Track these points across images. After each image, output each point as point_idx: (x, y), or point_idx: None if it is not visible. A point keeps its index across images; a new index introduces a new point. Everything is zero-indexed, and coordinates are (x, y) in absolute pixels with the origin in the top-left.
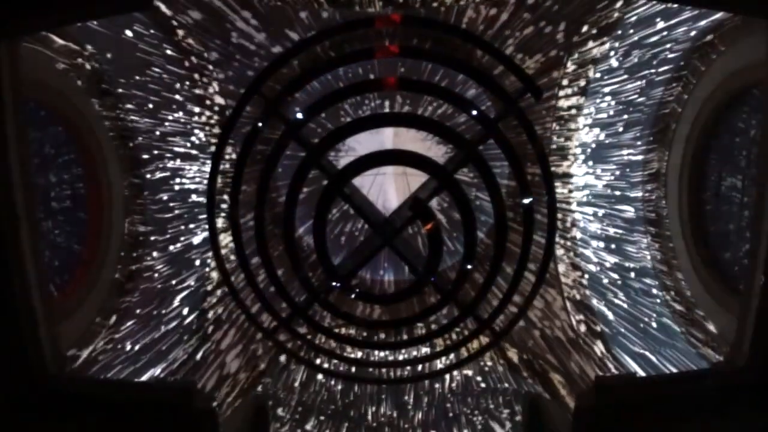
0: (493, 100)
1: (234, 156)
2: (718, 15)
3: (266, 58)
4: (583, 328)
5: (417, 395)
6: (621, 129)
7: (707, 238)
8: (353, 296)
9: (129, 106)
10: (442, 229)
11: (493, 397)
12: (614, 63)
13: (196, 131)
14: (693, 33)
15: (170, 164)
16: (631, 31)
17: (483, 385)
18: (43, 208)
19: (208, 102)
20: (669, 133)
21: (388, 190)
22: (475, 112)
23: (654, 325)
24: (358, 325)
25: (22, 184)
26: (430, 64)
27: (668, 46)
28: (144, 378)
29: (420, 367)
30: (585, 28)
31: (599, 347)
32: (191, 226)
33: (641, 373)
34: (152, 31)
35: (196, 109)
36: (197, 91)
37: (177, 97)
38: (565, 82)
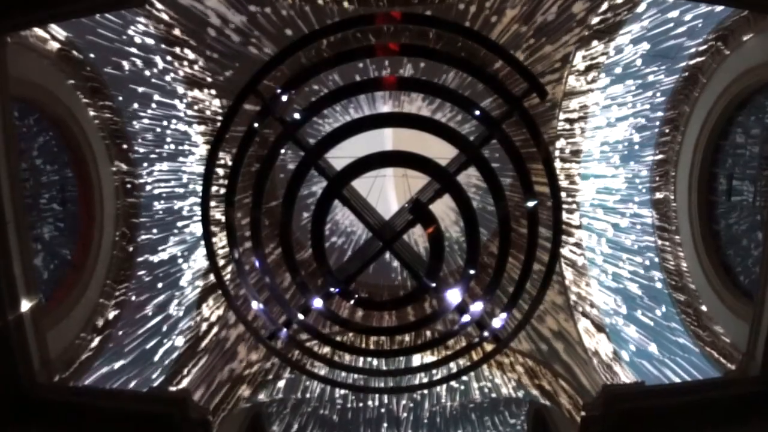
0: (497, 100)
1: (229, 158)
2: (731, 11)
3: (263, 56)
4: (590, 335)
5: (417, 405)
6: (629, 130)
7: (718, 242)
8: (352, 302)
9: (119, 105)
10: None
11: (496, 407)
12: (622, 62)
13: (190, 132)
14: (704, 30)
15: (162, 165)
16: (640, 29)
17: (486, 394)
18: (32, 212)
19: (202, 102)
20: (678, 134)
21: (388, 192)
22: (478, 113)
23: (664, 332)
24: (356, 332)
25: (11, 187)
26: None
27: (678, 43)
28: (137, 387)
29: (420, 377)
30: (593, 26)
31: (607, 355)
32: (185, 229)
33: (650, 382)
34: (144, 30)
35: (190, 110)
36: (190, 91)
37: (169, 96)
38: (571, 81)
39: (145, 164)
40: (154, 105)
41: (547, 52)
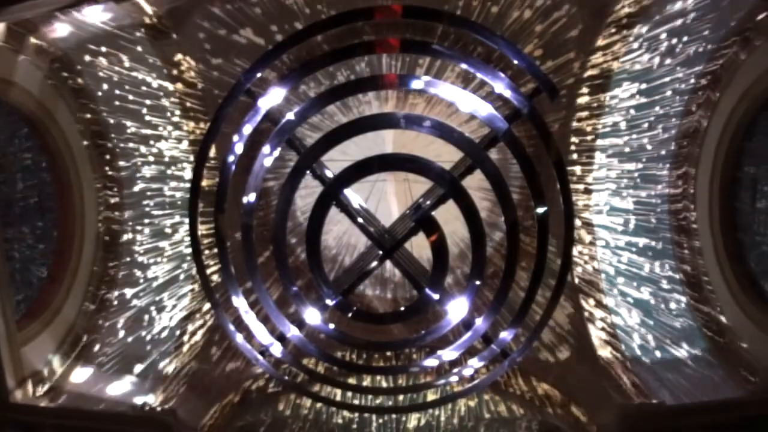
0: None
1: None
2: (756, 2)
3: (255, 53)
4: (604, 351)
5: (419, 428)
6: (646, 131)
7: (742, 253)
8: (350, 315)
9: (101, 105)
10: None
11: (503, 428)
12: (638, 57)
13: (176, 133)
14: (729, 22)
15: (146, 170)
16: (659, 20)
17: (492, 415)
18: (7, 221)
19: (189, 100)
20: (699, 135)
21: (388, 198)
22: (483, 113)
23: (684, 348)
24: (353, 347)
25: None
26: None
27: (701, 35)
28: (120, 407)
29: (423, 395)
30: (608, 19)
31: (623, 372)
32: (172, 239)
33: (669, 401)
34: (128, 25)
35: (176, 109)
36: (177, 88)
37: (154, 95)
38: (584, 77)
39: (129, 169)
40: (138, 104)
41: (558, 48)
